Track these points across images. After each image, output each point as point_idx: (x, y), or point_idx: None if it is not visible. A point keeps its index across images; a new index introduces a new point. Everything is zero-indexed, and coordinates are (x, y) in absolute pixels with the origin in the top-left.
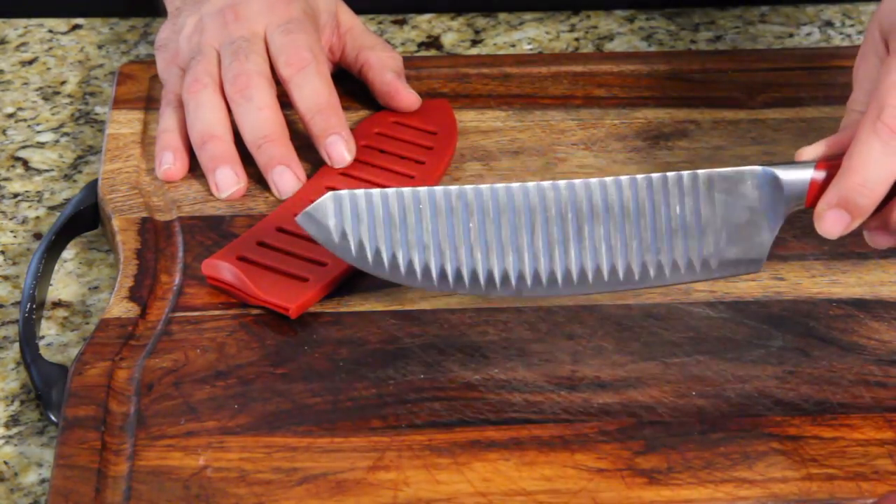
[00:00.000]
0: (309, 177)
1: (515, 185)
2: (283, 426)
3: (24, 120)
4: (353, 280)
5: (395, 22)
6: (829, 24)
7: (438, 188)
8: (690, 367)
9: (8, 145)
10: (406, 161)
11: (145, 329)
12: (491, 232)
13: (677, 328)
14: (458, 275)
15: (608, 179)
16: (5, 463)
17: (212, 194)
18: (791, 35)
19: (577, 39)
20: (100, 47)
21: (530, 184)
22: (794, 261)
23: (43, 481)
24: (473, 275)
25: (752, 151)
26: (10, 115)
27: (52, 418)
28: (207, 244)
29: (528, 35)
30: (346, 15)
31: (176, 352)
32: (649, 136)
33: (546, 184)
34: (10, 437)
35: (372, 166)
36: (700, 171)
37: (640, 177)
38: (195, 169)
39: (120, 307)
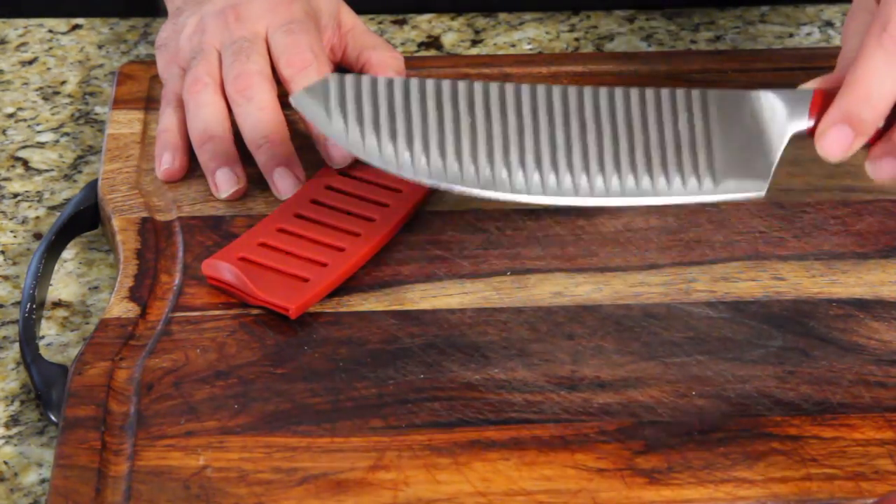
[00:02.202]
0: (309, 177)
1: (523, 85)
2: (283, 426)
3: (24, 120)
4: (353, 280)
5: (395, 22)
6: (829, 24)
7: (445, 81)
8: (690, 367)
9: (8, 145)
10: None
11: (145, 329)
12: (491, 129)
13: (677, 328)
14: (454, 172)
15: (614, 89)
16: (5, 463)
17: (212, 194)
18: (791, 35)
19: (577, 39)
20: (100, 47)
21: (540, 86)
22: (794, 261)
23: (43, 481)
24: (468, 173)
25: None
26: (10, 115)
27: (52, 418)
28: (207, 244)
29: (528, 35)
30: (348, 15)
31: (176, 352)
32: None
33: (557, 88)
34: (10, 437)
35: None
36: (697, 90)
37: (646, 90)
38: (195, 169)
39: (120, 307)
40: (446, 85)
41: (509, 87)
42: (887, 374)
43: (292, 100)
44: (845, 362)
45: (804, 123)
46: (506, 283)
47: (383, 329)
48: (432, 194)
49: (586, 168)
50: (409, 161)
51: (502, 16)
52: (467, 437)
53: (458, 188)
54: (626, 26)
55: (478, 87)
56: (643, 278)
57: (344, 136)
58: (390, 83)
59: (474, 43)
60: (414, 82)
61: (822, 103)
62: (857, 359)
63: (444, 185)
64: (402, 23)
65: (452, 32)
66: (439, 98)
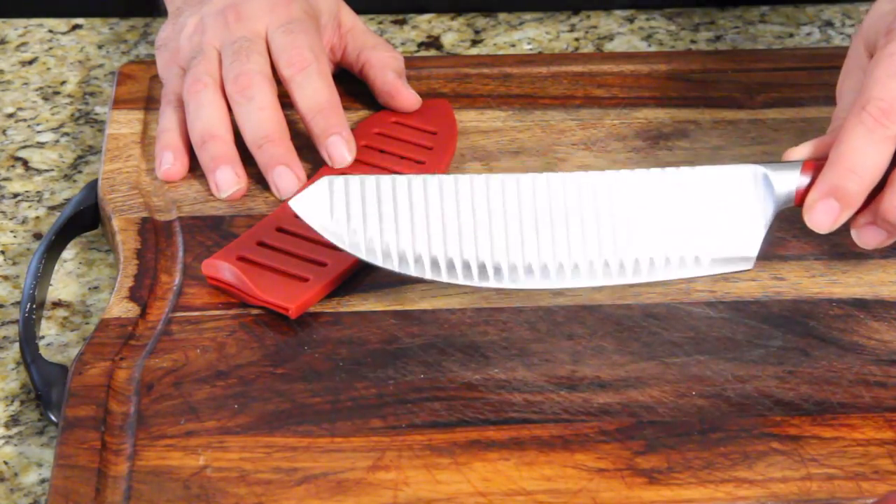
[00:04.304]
0: (309, 177)
1: (509, 176)
2: (283, 426)
3: (24, 120)
4: (353, 280)
5: (395, 22)
6: (829, 24)
7: (432, 177)
8: (690, 367)
9: (8, 145)
10: (406, 161)
11: (145, 329)
12: (482, 222)
13: (677, 328)
14: (451, 264)
15: (601, 174)
16: (5, 463)
17: (212, 194)
18: (791, 35)
19: (577, 39)
20: (100, 47)
21: (524, 176)
22: (794, 261)
23: (43, 481)
24: (465, 264)
25: (752, 151)
26: (10, 115)
27: (52, 418)
28: (207, 244)
29: (528, 35)
30: (348, 15)
31: (176, 352)
32: (649, 136)
33: (540, 177)
34: (10, 437)
35: (372, 166)
36: (686, 168)
37: (630, 172)
38: (195, 169)
39: (120, 307)
40: (433, 181)
41: (495, 179)
42: (887, 374)
43: (291, 204)
44: (845, 362)
45: (790, 203)
46: None
47: (383, 329)
48: None
49: (569, 251)
50: (408, 260)
51: (502, 16)
52: (467, 437)
53: (458, 282)
54: (626, 26)
55: (466, 180)
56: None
57: (343, 241)
58: (378, 182)
59: (474, 43)
60: (401, 180)
61: (809, 180)
62: (857, 359)
63: (444, 280)
64: (402, 23)
65: (452, 32)
66: (429, 193)
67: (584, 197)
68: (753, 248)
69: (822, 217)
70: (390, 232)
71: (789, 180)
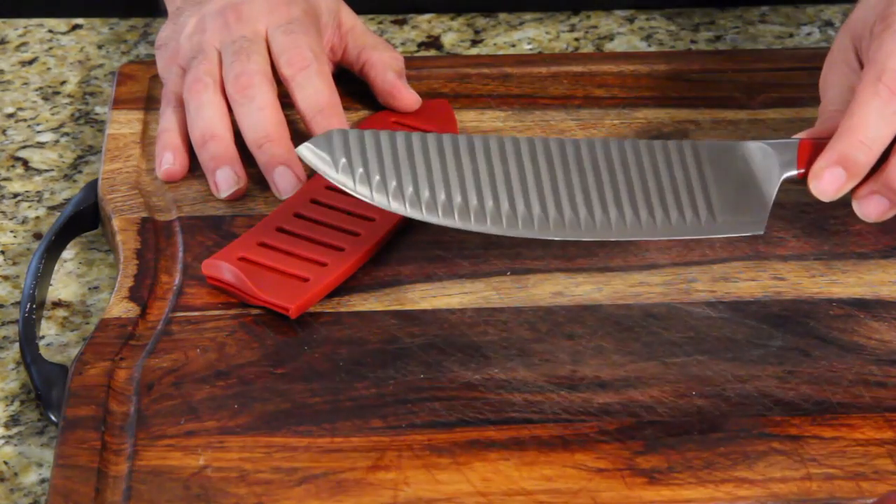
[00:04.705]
0: (309, 177)
1: (521, 138)
2: (283, 426)
3: (24, 120)
4: (353, 280)
5: (395, 22)
6: (829, 24)
7: (447, 135)
8: (690, 367)
9: (8, 145)
10: None
11: (145, 329)
12: (493, 173)
13: (677, 328)
14: (463, 209)
15: (609, 140)
16: (5, 463)
17: (212, 194)
18: (791, 35)
19: (577, 39)
20: (100, 47)
21: (536, 139)
22: (794, 261)
23: (43, 481)
24: (477, 210)
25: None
26: (10, 115)
27: (52, 418)
28: (207, 244)
29: (528, 35)
30: (348, 15)
31: (176, 352)
32: (649, 136)
33: (554, 140)
34: (10, 437)
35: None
36: (688, 141)
37: (639, 141)
38: (195, 169)
39: (120, 307)
40: (447, 137)
41: (507, 140)
42: (887, 374)
43: (300, 151)
44: (845, 362)
45: (794, 170)
46: (506, 283)
47: (383, 329)
48: None
49: (587, 204)
50: (419, 203)
51: (502, 16)
52: (467, 437)
53: (464, 225)
54: (626, 26)
55: (477, 140)
56: (643, 278)
57: (352, 186)
58: (392, 136)
59: (474, 43)
60: (416, 136)
61: (810, 151)
62: (857, 359)
63: (451, 224)
64: (402, 23)
65: (452, 32)
66: (441, 147)
67: (595, 160)
68: (763, 214)
69: (827, 185)
70: (395, 175)
71: (790, 146)
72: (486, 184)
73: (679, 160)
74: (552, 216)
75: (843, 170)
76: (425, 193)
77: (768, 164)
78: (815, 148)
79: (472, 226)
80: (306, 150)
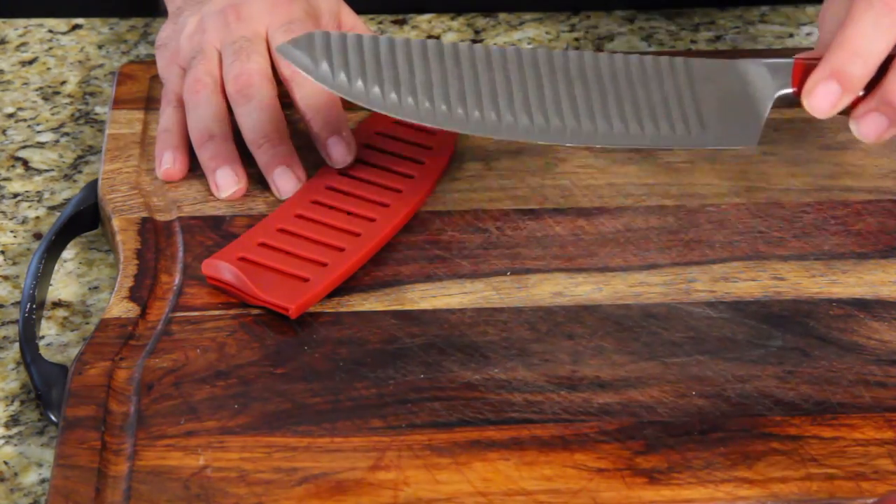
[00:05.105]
0: (309, 177)
1: (508, 48)
2: (283, 426)
3: (24, 120)
4: (353, 280)
5: (395, 22)
6: None
7: (431, 40)
8: (690, 367)
9: (8, 145)
10: (406, 161)
11: (145, 329)
12: (478, 78)
13: (677, 328)
14: (441, 113)
15: (598, 53)
16: (5, 463)
17: (212, 194)
18: (791, 35)
19: (577, 39)
20: (100, 47)
21: (523, 48)
22: (794, 261)
23: (43, 481)
24: (456, 114)
25: (752, 151)
26: (10, 115)
27: (52, 418)
28: (207, 244)
29: (528, 35)
30: (348, 15)
31: (176, 352)
32: None
33: (539, 49)
34: (10, 437)
35: (372, 166)
36: (681, 57)
37: (631, 55)
38: (195, 169)
39: (120, 307)
40: (432, 43)
41: (495, 49)
42: (887, 374)
43: (277, 49)
44: (845, 362)
45: (788, 87)
46: (506, 283)
47: (383, 329)
48: (433, 195)
49: (574, 113)
50: (396, 101)
51: (502, 16)
52: (467, 437)
53: (447, 127)
54: (626, 26)
55: (464, 47)
56: (643, 278)
57: (330, 79)
58: (375, 39)
59: (474, 43)
60: (400, 40)
61: (804, 70)
62: (857, 359)
63: (430, 124)
64: (402, 23)
65: (452, 32)
66: (425, 52)
67: (583, 71)
68: (757, 126)
69: (821, 100)
70: (377, 73)
71: (784, 72)
72: (471, 91)
73: (671, 75)
74: (538, 123)
75: (837, 84)
76: (408, 100)
77: (763, 81)
78: (811, 67)
79: (449, 124)
80: (285, 48)
